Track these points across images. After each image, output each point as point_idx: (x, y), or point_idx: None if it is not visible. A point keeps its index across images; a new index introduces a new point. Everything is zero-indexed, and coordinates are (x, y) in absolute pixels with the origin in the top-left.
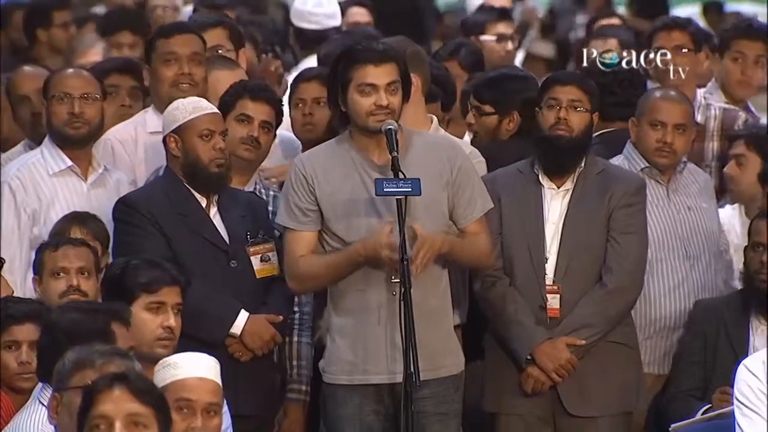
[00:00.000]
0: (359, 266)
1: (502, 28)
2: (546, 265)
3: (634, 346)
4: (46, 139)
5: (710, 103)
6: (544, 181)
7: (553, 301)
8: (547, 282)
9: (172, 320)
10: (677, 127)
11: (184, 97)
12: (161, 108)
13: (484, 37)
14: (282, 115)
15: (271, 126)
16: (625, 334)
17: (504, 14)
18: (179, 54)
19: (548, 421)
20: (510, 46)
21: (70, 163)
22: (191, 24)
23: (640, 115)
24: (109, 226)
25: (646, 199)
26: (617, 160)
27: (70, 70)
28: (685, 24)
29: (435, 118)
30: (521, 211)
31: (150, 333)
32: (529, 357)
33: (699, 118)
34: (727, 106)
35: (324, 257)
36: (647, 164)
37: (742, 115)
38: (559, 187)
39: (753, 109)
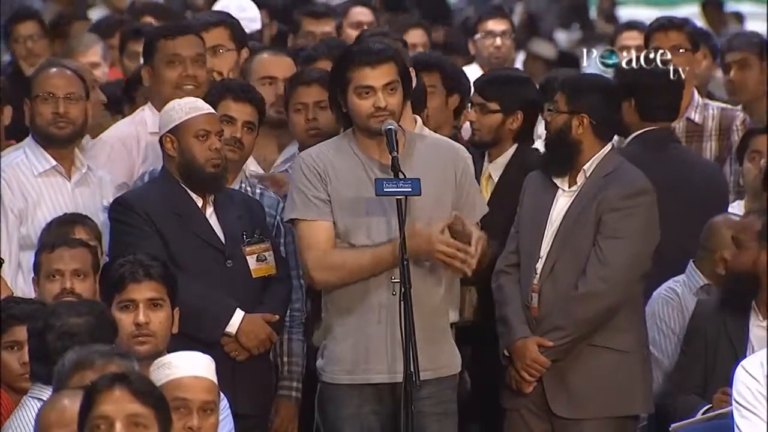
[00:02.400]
0: (396, 264)
1: (492, 25)
2: (537, 264)
3: (631, 352)
4: (29, 139)
5: (708, 102)
6: (556, 180)
7: (534, 300)
8: (534, 281)
9: (141, 316)
10: None
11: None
12: (161, 108)
13: (476, 37)
14: (265, 114)
15: (254, 126)
16: (616, 340)
17: (496, 11)
18: (183, 56)
19: (544, 418)
20: (499, 41)
21: (54, 162)
22: (194, 24)
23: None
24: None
25: (647, 205)
26: (680, 278)
27: (54, 70)
28: (681, 24)
29: (419, 119)
30: (534, 209)
31: (124, 332)
32: (506, 354)
33: (697, 117)
34: (724, 105)
35: (361, 251)
36: (706, 282)
37: (740, 114)
38: (569, 188)
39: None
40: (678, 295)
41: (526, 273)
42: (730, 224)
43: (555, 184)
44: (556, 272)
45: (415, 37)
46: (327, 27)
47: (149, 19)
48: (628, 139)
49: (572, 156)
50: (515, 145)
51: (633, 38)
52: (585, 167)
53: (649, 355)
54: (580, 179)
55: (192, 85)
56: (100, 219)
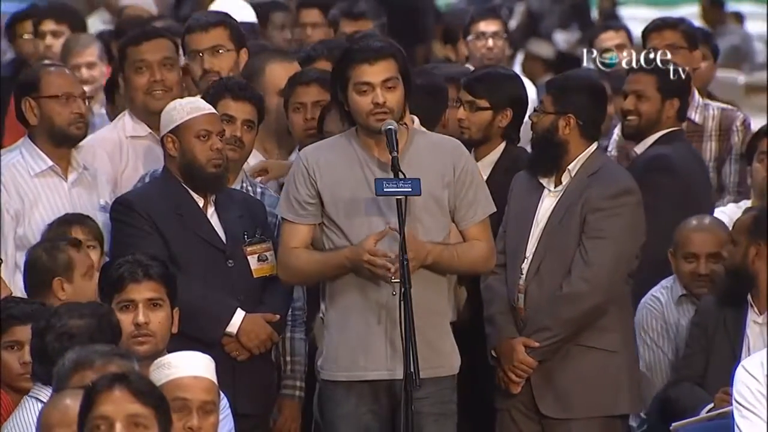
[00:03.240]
0: (346, 271)
1: (483, 26)
2: (523, 264)
3: (618, 351)
4: (25, 139)
5: (708, 103)
6: (542, 180)
7: (521, 301)
8: (521, 282)
9: (141, 316)
10: (711, 257)
11: (159, 104)
12: (137, 114)
13: (468, 38)
14: (264, 112)
15: (253, 124)
16: (603, 339)
17: (488, 12)
18: (149, 61)
19: (534, 418)
20: (491, 42)
21: (51, 163)
22: (192, 24)
23: (674, 247)
24: None
25: (632, 205)
26: (668, 282)
27: (66, 71)
28: (676, 23)
29: (416, 119)
30: (520, 209)
31: (124, 332)
32: (494, 354)
33: (697, 118)
34: (724, 105)
35: (314, 255)
36: (686, 292)
37: (740, 114)
38: (555, 188)
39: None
40: (662, 304)
41: (512, 273)
42: (692, 228)
43: (541, 184)
44: (541, 272)
45: None
46: (365, 29)
47: (50, 24)
48: (654, 137)
49: (558, 156)
50: (503, 144)
51: (611, 38)
52: (570, 167)
53: (637, 355)
54: (566, 179)
55: (161, 89)
56: (99, 219)
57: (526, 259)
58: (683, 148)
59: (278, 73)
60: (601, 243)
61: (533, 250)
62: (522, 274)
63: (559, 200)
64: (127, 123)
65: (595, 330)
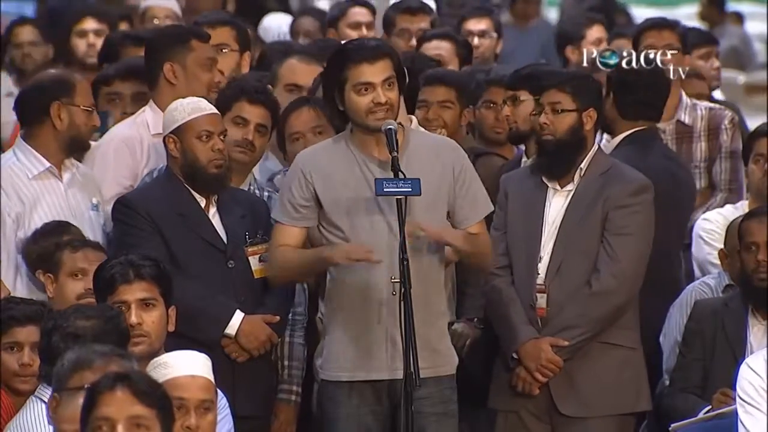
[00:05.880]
0: (324, 263)
1: (472, 24)
2: (539, 264)
3: (634, 348)
4: (19, 140)
5: (696, 103)
6: (547, 180)
7: (541, 301)
8: (538, 281)
9: (134, 317)
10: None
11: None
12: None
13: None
14: (278, 117)
15: (266, 129)
16: (624, 337)
17: (477, 11)
18: (215, 60)
19: (544, 419)
20: (477, 41)
21: (48, 164)
22: (200, 21)
23: (726, 245)
24: (85, 224)
25: (649, 203)
26: (711, 279)
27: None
28: (674, 24)
29: (414, 119)
30: (525, 209)
31: None
32: (515, 356)
33: (686, 119)
34: (712, 105)
35: (298, 252)
36: (730, 282)
37: (729, 113)
38: (562, 187)
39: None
40: (711, 290)
41: (524, 274)
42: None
43: (543, 183)
44: (562, 272)
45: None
46: (423, 23)
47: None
48: (619, 138)
49: (577, 154)
50: None
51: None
52: (582, 165)
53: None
54: (576, 178)
55: (216, 90)
56: (92, 218)
57: (542, 259)
58: (658, 152)
59: (295, 70)
60: (626, 239)
61: (550, 249)
62: (539, 273)
63: (572, 199)
64: (149, 119)
65: (616, 327)
